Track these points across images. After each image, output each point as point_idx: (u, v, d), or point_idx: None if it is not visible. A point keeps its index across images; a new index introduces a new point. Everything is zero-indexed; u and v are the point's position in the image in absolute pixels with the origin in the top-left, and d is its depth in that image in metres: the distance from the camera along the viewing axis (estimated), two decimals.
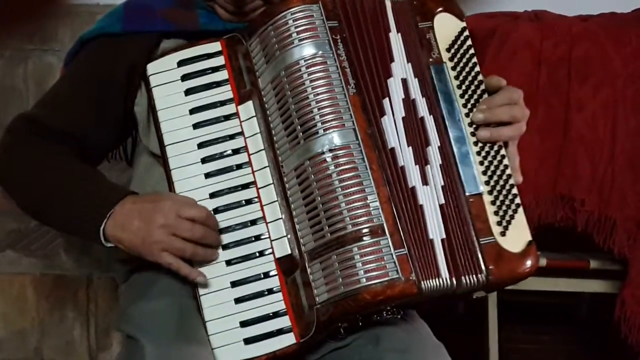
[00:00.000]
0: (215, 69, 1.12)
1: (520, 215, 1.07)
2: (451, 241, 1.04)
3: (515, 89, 1.11)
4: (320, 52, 1.04)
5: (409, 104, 1.07)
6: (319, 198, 1.02)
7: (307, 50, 1.04)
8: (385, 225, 0.99)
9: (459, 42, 1.12)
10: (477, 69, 1.11)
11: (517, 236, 1.05)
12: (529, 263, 1.04)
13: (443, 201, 1.05)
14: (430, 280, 1.00)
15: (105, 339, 1.85)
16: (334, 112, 1.03)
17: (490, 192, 1.07)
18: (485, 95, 1.10)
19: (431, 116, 1.08)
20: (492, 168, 1.08)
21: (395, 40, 1.09)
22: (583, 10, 1.96)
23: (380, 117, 1.05)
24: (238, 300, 1.06)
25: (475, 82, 1.11)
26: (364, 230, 0.99)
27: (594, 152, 1.77)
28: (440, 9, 1.12)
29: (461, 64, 1.11)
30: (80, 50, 1.21)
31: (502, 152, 1.09)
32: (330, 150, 1.02)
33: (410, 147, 1.05)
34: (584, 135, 1.77)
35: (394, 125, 1.05)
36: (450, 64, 1.11)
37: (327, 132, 1.02)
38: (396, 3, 1.11)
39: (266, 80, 1.08)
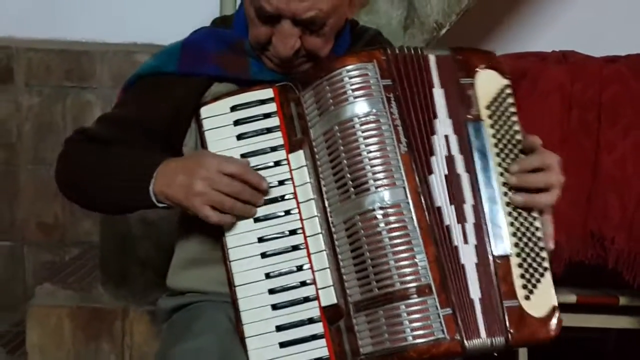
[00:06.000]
0: (267, 115, 1.13)
1: (547, 279, 1.07)
2: (485, 301, 1.05)
3: (551, 153, 1.11)
4: (374, 110, 1.06)
5: (451, 161, 1.08)
6: (368, 253, 1.03)
7: (361, 107, 1.06)
8: (432, 284, 1.01)
9: (499, 99, 1.12)
10: (517, 127, 1.11)
11: (542, 300, 1.06)
12: (550, 328, 1.05)
13: (477, 260, 1.06)
14: (473, 340, 1.02)
15: None
16: (386, 170, 1.04)
17: (518, 255, 1.07)
18: (522, 156, 1.11)
19: (467, 174, 1.08)
20: (522, 230, 1.09)
21: (439, 95, 1.10)
22: (610, 51, 2.00)
23: (429, 174, 1.06)
24: (283, 345, 1.08)
25: (513, 141, 1.11)
26: (412, 289, 1.01)
27: (623, 192, 1.81)
28: (483, 65, 1.13)
29: (500, 122, 1.11)
30: (135, 83, 1.25)
31: (535, 214, 1.09)
32: (381, 208, 1.03)
33: (453, 206, 1.06)
34: (613, 175, 1.80)
35: (439, 183, 1.07)
36: (489, 122, 1.11)
37: (379, 189, 1.03)
38: (440, 57, 1.12)
39: (318, 132, 1.10)
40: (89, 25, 2.47)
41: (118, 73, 2.39)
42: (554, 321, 1.06)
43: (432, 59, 1.11)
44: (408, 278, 1.01)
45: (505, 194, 1.09)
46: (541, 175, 1.09)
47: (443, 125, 1.09)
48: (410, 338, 1.00)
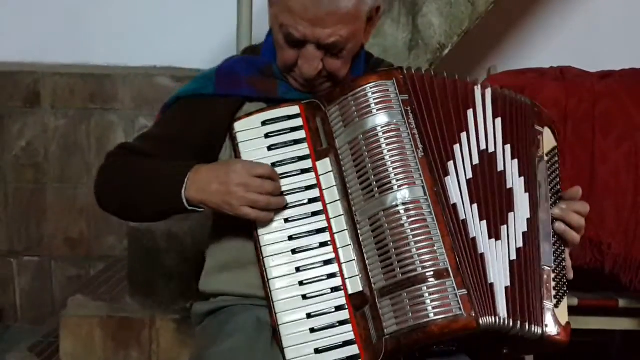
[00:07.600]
0: (294, 129, 1.27)
1: (565, 301, 1.26)
2: (516, 291, 1.20)
3: (586, 204, 1.32)
4: (395, 120, 1.21)
5: (490, 173, 1.24)
6: (392, 244, 1.16)
7: (383, 118, 1.21)
8: (449, 268, 1.14)
9: (551, 155, 1.33)
10: (558, 179, 1.32)
11: (562, 312, 1.25)
12: (567, 335, 1.24)
13: (515, 258, 1.22)
14: (488, 318, 1.16)
15: None
16: (406, 171, 1.19)
17: (554, 271, 1.26)
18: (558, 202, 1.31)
19: (527, 194, 1.27)
20: (557, 253, 1.29)
21: (480, 118, 1.27)
22: (605, 66, 2.10)
23: (444, 176, 1.21)
24: (313, 330, 1.20)
25: (556, 188, 1.32)
26: (432, 273, 1.14)
27: (617, 200, 1.90)
28: (548, 124, 1.34)
29: (550, 170, 1.32)
30: (175, 103, 1.37)
31: (564, 248, 1.30)
32: (403, 204, 1.17)
33: (476, 205, 1.22)
34: (608, 184, 1.89)
35: (457, 184, 1.21)
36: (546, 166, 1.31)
37: (400, 188, 1.18)
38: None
39: (343, 141, 1.23)
40: (111, 49, 2.58)
41: (139, 95, 2.49)
42: (568, 332, 1.25)
43: (479, 90, 1.29)
44: (428, 263, 1.15)
45: (553, 221, 1.29)
46: (578, 217, 1.30)
47: (485, 142, 1.25)
48: (432, 315, 1.13)
